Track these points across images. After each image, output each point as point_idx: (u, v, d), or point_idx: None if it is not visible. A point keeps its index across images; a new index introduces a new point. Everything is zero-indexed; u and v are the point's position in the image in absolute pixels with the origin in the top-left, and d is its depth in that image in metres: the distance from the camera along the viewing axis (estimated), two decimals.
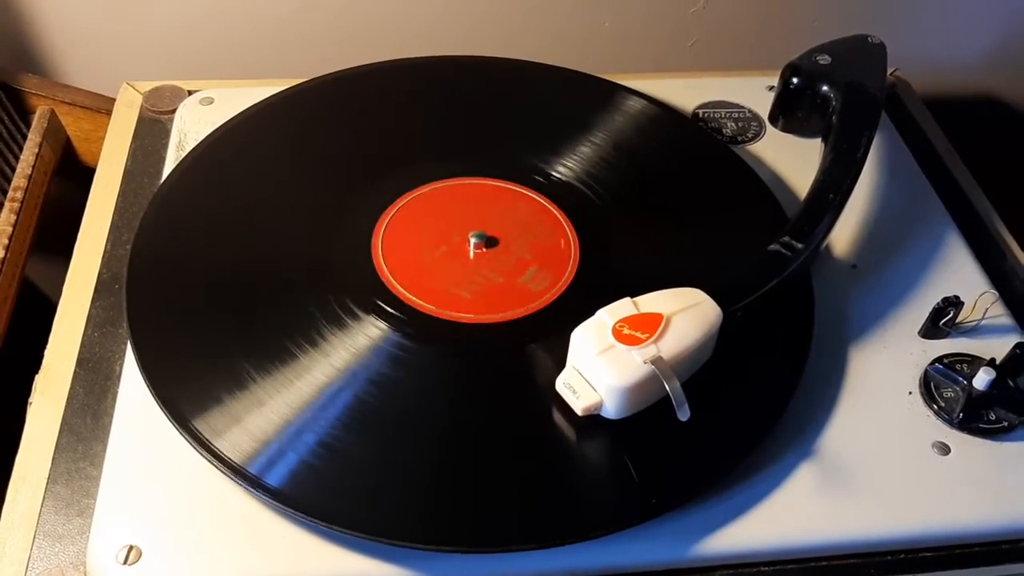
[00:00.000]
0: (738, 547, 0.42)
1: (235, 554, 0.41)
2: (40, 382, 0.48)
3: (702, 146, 0.60)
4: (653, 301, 0.44)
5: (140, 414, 0.45)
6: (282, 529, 0.42)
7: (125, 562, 0.40)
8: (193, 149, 0.56)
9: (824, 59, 0.59)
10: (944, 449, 0.46)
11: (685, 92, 0.65)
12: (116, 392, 0.47)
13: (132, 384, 0.46)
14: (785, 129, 0.62)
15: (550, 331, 0.47)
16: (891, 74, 0.70)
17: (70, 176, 0.70)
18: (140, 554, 0.40)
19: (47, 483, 0.44)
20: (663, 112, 0.61)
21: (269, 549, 0.41)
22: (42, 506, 0.43)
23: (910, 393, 0.48)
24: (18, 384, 0.51)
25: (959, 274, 0.54)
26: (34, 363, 0.50)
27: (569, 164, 0.57)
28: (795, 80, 0.59)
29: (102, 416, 0.47)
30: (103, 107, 0.68)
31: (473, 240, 0.51)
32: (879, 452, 0.46)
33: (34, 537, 0.42)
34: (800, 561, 0.43)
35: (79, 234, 0.55)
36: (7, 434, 0.49)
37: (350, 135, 0.58)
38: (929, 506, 0.44)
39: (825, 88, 0.58)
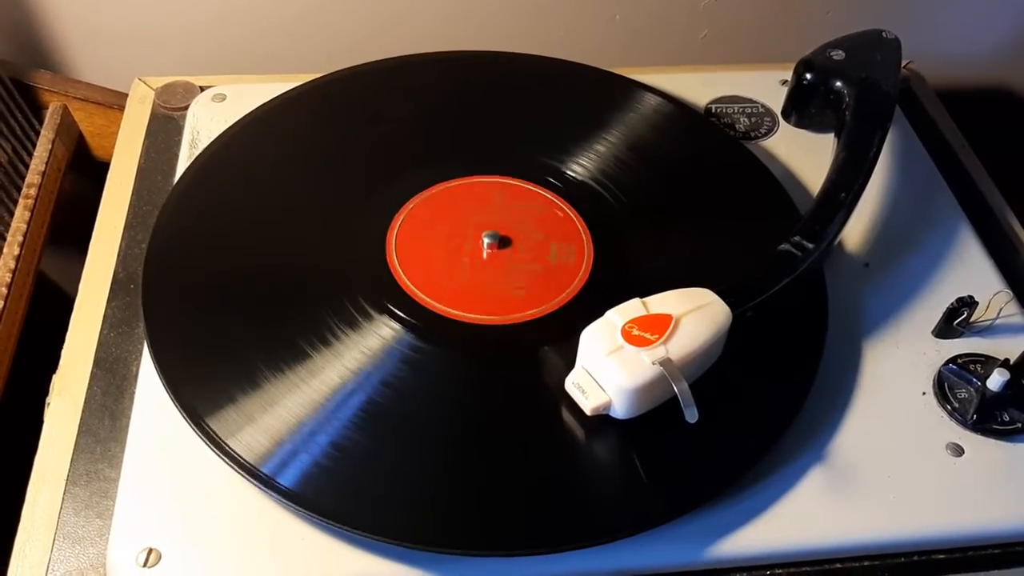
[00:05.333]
0: (752, 549, 0.42)
1: (254, 556, 0.41)
2: (57, 382, 0.49)
3: (715, 143, 0.60)
4: (662, 301, 0.44)
5: (157, 415, 0.45)
6: (300, 530, 0.42)
7: (145, 564, 0.40)
8: (206, 148, 0.56)
9: (838, 55, 0.59)
10: (958, 450, 0.46)
11: (697, 87, 0.65)
12: (133, 392, 0.47)
13: (149, 385, 0.47)
14: (798, 125, 0.62)
15: (563, 332, 0.47)
16: (905, 67, 0.69)
17: (83, 171, 0.70)
18: (160, 557, 0.41)
19: (66, 484, 0.44)
20: (676, 109, 0.60)
21: (287, 550, 0.41)
22: (61, 508, 0.44)
23: (924, 393, 0.48)
24: (36, 377, 0.51)
25: (973, 272, 0.54)
26: (51, 356, 0.50)
27: (583, 162, 0.57)
28: (808, 76, 0.59)
29: (119, 417, 0.47)
30: (116, 103, 0.68)
31: (486, 240, 0.51)
32: (893, 453, 0.46)
33: (54, 539, 0.43)
34: (814, 563, 0.43)
35: (93, 233, 0.56)
36: (25, 429, 0.49)
37: (361, 133, 0.58)
38: (943, 508, 0.44)
39: (838, 84, 0.58)
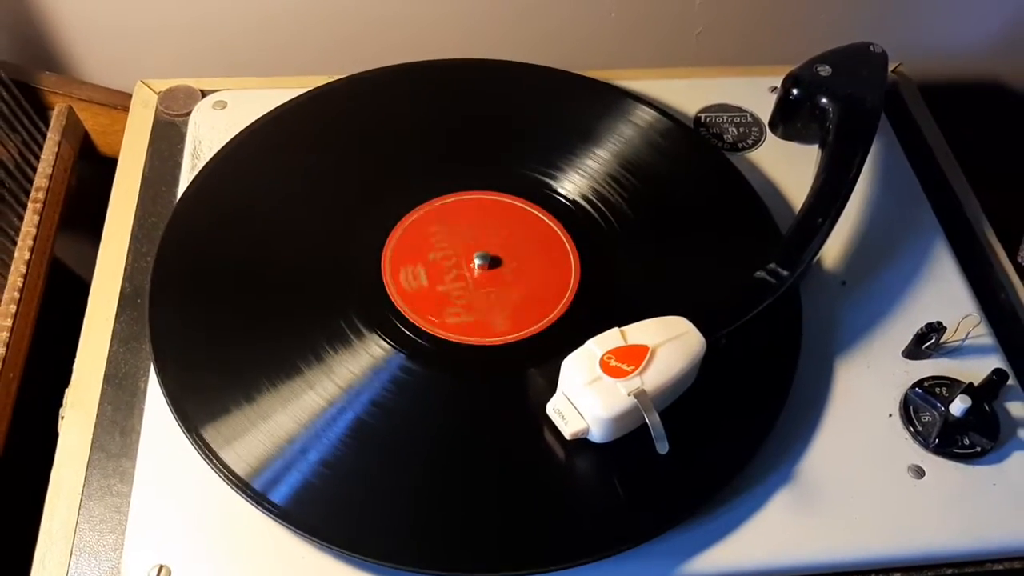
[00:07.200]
0: (719, 568, 0.45)
1: (260, 574, 0.44)
2: (70, 396, 0.51)
3: (704, 158, 0.61)
4: (640, 331, 0.46)
5: (165, 433, 0.48)
6: (300, 549, 0.45)
7: None
8: (208, 163, 0.58)
9: (824, 70, 0.60)
10: (919, 472, 0.49)
11: (688, 93, 0.66)
12: (142, 408, 0.50)
13: (157, 402, 0.49)
14: (785, 136, 0.63)
15: (551, 354, 0.49)
16: (894, 70, 0.70)
17: (91, 162, 0.72)
18: (170, 573, 0.44)
19: (81, 499, 0.47)
20: (668, 123, 0.61)
21: (290, 568, 0.44)
22: (78, 522, 0.47)
23: (890, 415, 0.51)
24: (56, 366, 0.54)
25: (946, 291, 0.56)
26: (69, 344, 0.53)
27: (573, 179, 0.58)
28: (795, 91, 0.60)
29: (130, 433, 0.49)
30: (119, 103, 0.70)
31: (477, 261, 0.53)
32: (857, 474, 0.48)
33: (71, 552, 0.46)
34: None
35: (100, 246, 0.57)
36: (41, 432, 0.52)
37: (357, 149, 0.60)
38: (902, 528, 0.47)
39: (824, 100, 0.59)
